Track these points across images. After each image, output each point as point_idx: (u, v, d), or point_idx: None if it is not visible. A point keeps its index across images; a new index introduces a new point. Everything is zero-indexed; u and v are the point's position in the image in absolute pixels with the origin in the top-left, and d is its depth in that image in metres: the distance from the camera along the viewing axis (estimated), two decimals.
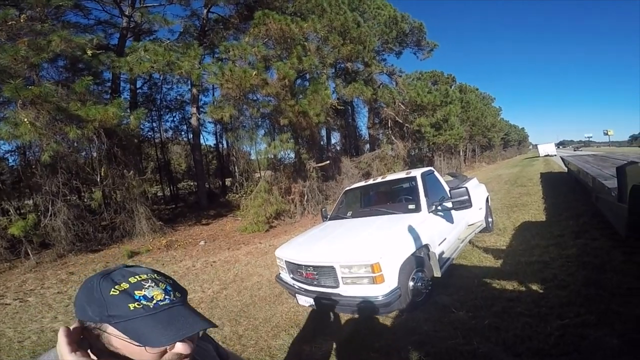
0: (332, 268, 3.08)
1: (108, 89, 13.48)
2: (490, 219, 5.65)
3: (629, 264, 3.35)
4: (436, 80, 28.48)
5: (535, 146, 64.43)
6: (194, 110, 14.98)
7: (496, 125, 44.96)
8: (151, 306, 0.65)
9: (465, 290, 3.59)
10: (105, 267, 7.83)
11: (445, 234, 3.89)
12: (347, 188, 5.13)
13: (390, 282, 2.95)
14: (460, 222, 4.44)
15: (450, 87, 33.34)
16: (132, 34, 13.88)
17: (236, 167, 12.77)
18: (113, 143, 10.32)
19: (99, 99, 10.06)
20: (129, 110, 11.21)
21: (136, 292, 0.66)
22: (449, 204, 3.68)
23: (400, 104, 19.79)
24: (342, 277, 3.02)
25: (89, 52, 9.59)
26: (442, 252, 3.85)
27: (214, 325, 0.70)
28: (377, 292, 2.89)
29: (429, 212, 3.73)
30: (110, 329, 0.63)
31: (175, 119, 19.84)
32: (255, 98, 12.06)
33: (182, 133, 19.98)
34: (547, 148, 50.86)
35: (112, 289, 0.64)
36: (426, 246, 3.47)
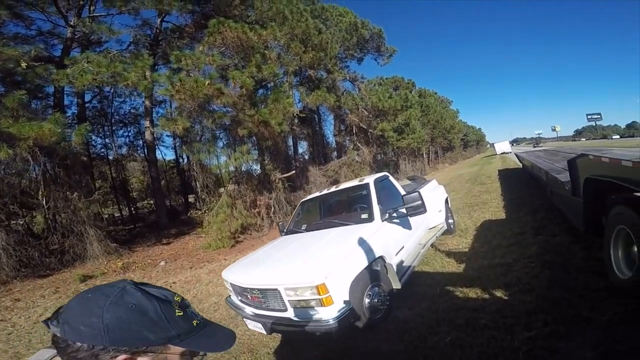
0: (276, 291, 2.71)
1: (52, 104, 12.30)
2: (451, 220, 5.46)
3: (590, 261, 3.17)
4: (397, 86, 29.05)
5: (492, 145, 67.89)
6: (148, 124, 14.04)
7: (455, 127, 46.80)
8: (201, 321, 0.68)
9: (427, 301, 3.28)
10: (56, 291, 6.90)
11: (403, 241, 3.57)
12: (303, 199, 4.74)
13: (341, 302, 2.62)
14: (419, 227, 4.15)
15: (411, 92, 34.26)
16: (80, 45, 12.83)
17: (197, 182, 11.99)
18: (55, 163, 9.32)
19: (36, 115, 9.04)
20: (72, 126, 10.20)
21: (188, 310, 0.66)
22: (403, 211, 3.36)
23: (363, 109, 19.85)
24: (288, 300, 2.68)
25: (23, 64, 8.65)
26: (401, 262, 3.52)
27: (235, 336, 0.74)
28: (327, 314, 2.56)
29: (383, 221, 3.39)
30: (173, 348, 0.62)
31: (130, 134, 18.59)
32: (212, 109, 11.44)
33: (138, 149, 18.73)
34: (502, 146, 53.69)
35: (177, 310, 0.64)
36: (381, 258, 3.12)
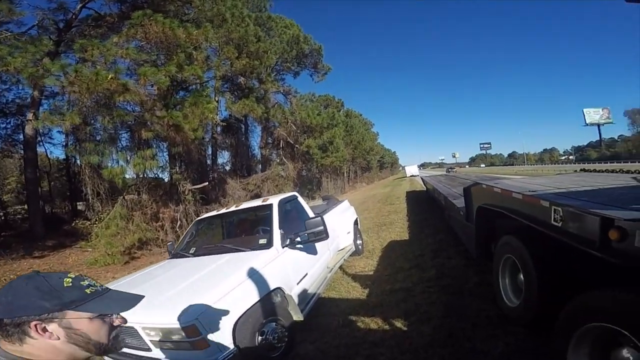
0: (132, 329, 2.09)
1: None
2: (360, 241, 5.34)
3: (483, 286, 3.23)
4: (328, 104, 29.68)
5: (404, 168, 74.68)
6: (31, 116, 11.44)
7: (374, 149, 50.26)
8: (99, 289, 0.74)
9: (330, 334, 2.94)
10: None
11: (306, 268, 3.19)
12: (199, 217, 4.06)
13: (221, 344, 2.11)
14: (327, 251, 3.85)
15: (339, 112, 35.62)
16: None
17: (88, 188, 9.99)
18: None
19: None
20: None
21: (82, 282, 0.73)
22: (306, 236, 2.99)
23: (292, 124, 19.63)
24: (150, 341, 2.09)
25: None
26: (304, 290, 3.12)
27: (142, 296, 0.87)
28: (204, 358, 2.02)
29: (284, 247, 2.96)
30: (71, 313, 0.69)
31: (8, 127, 15.00)
32: (117, 106, 9.81)
33: (17, 144, 15.20)
34: (411, 169, 59.45)
35: (65, 281, 0.71)
36: (280, 289, 2.67)
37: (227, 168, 21.83)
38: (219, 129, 19.70)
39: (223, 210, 3.84)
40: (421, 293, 3.35)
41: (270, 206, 3.28)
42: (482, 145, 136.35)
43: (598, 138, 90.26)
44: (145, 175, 10.50)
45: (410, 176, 51.80)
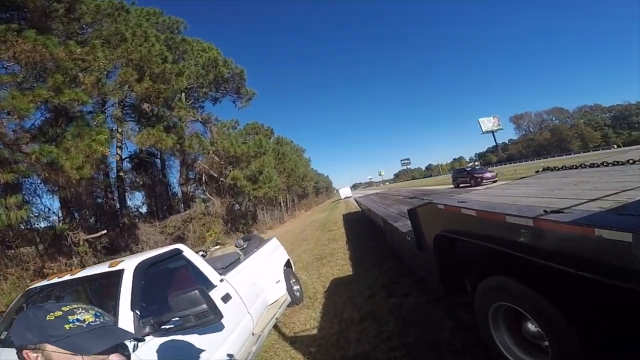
0: None
1: None
2: (297, 287, 4.22)
3: (457, 332, 2.38)
4: (257, 132, 28.05)
5: (338, 191, 76.11)
6: None
7: (308, 175, 50.05)
8: (84, 326, 0.75)
9: None
10: None
11: (205, 356, 1.93)
12: (30, 287, 2.53)
13: None
14: (243, 319, 2.63)
15: (269, 139, 34.51)
16: None
17: None
18: None
19: None
20: None
21: (69, 317, 0.75)
22: (178, 321, 1.75)
23: (214, 155, 17.84)
24: None
25: None
26: None
27: (142, 340, 0.97)
28: None
29: (143, 337, 1.68)
30: (49, 347, 0.70)
31: None
32: None
33: None
34: (345, 191, 60.61)
35: (47, 316, 0.74)
36: None
37: (143, 211, 18.94)
38: (126, 165, 17.03)
39: (54, 280, 2.35)
40: None
41: (118, 275, 1.96)
42: (402, 162, 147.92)
43: (494, 144, 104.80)
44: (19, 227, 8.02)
45: (345, 198, 52.59)
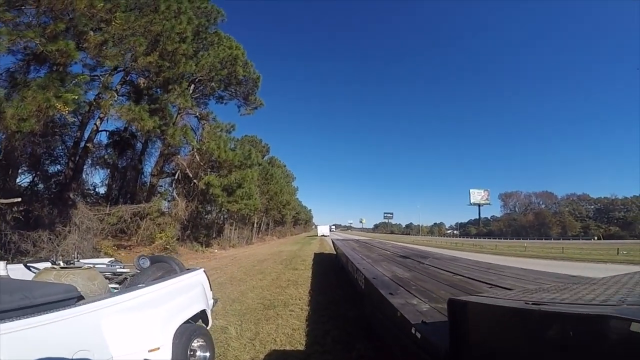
0: None
1: None
2: (203, 355, 2.46)
3: None
4: (253, 146, 26.48)
5: (316, 226, 73.96)
6: None
7: (291, 204, 48.05)
8: None
9: None
10: None
11: None
12: None
13: None
14: None
15: (263, 157, 32.95)
16: None
17: None
18: None
19: None
20: None
21: None
22: None
23: (196, 153, 16.05)
24: None
25: None
26: None
27: None
28: None
29: None
30: None
31: None
32: None
33: None
34: (323, 229, 58.85)
35: None
36: None
37: (100, 191, 16.71)
38: (101, 138, 15.13)
39: None
40: None
41: None
42: (385, 214, 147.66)
43: (477, 217, 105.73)
44: None
45: (322, 235, 50.62)
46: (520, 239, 58.52)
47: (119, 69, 11.66)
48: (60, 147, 12.36)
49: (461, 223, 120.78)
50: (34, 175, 11.13)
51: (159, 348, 1.98)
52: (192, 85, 16.05)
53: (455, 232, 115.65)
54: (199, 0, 14.13)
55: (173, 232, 13.79)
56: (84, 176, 13.91)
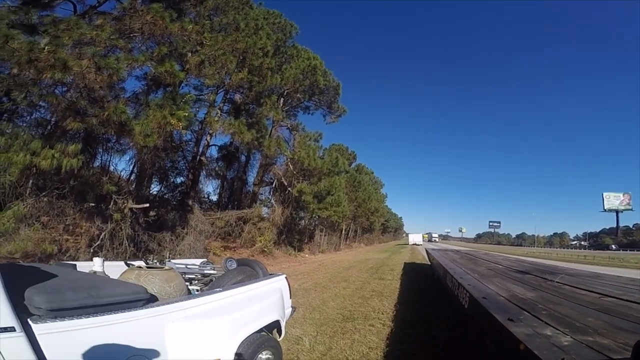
0: None
1: None
2: None
3: None
4: (340, 154, 26.92)
5: (407, 235, 70.37)
6: None
7: (380, 210, 46.70)
8: None
9: None
10: None
11: None
12: None
13: None
14: None
15: (350, 165, 33.14)
16: None
17: None
18: None
19: None
20: None
21: None
22: None
23: (289, 163, 17.04)
24: None
25: None
26: None
27: None
28: None
29: None
30: None
31: None
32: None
33: None
34: (415, 238, 55.59)
35: None
36: None
37: (213, 199, 19.22)
38: (212, 152, 17.41)
39: None
40: None
41: None
42: (491, 223, 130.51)
43: (611, 225, 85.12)
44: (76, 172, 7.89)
45: (413, 244, 47.66)
46: None
47: (220, 90, 13.28)
48: (182, 161, 14.63)
49: (591, 233, 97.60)
50: (162, 185, 13.45)
51: (219, 359, 1.79)
52: (282, 99, 17.20)
53: (582, 242, 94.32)
54: (273, 17, 15.20)
55: (271, 236, 14.77)
56: (200, 186, 16.15)
